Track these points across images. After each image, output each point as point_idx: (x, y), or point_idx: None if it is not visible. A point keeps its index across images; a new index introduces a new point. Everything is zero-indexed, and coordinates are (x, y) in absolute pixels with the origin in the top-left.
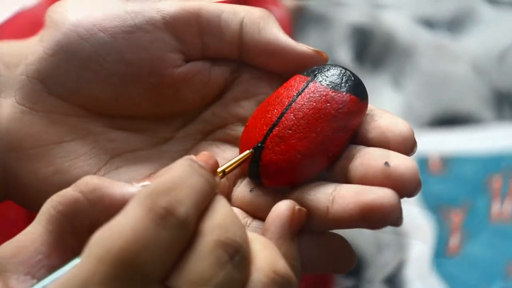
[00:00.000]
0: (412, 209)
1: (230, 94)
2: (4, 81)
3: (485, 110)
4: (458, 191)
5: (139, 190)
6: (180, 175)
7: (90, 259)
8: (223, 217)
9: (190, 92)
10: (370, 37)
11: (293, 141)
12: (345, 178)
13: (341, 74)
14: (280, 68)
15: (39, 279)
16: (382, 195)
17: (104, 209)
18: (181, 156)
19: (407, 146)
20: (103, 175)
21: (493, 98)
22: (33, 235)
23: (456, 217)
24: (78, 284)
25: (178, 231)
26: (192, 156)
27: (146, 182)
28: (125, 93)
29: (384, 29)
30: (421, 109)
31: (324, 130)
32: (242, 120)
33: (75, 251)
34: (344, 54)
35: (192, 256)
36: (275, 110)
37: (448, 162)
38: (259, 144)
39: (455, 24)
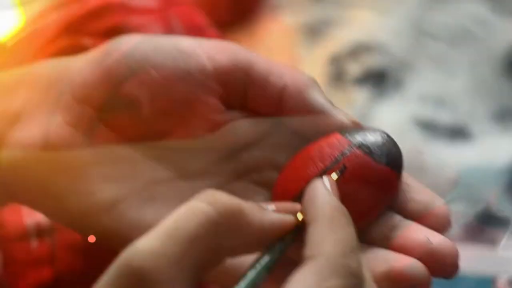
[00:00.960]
0: None
1: (270, 140)
2: (45, 97)
3: None
4: None
5: (327, 251)
6: (345, 225)
7: None
8: (369, 272)
9: (229, 138)
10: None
11: None
12: (382, 246)
13: (383, 144)
14: (315, 131)
15: None
16: (413, 265)
17: (240, 236)
18: None
19: (442, 226)
20: (136, 200)
21: None
22: (166, 257)
23: None
24: None
25: None
26: (326, 183)
27: (277, 206)
28: (165, 128)
29: (370, 126)
30: None
31: (364, 197)
32: (278, 167)
33: (203, 277)
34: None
35: None
36: (316, 166)
37: None
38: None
39: None
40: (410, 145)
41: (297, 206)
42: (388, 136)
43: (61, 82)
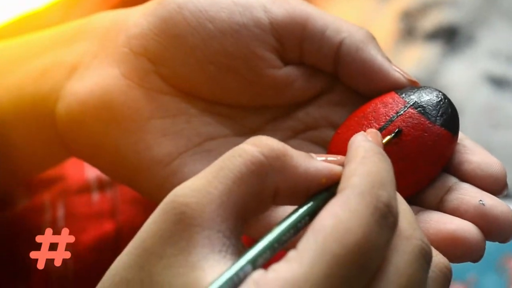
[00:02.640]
0: None
1: (326, 98)
2: (102, 48)
3: None
4: (470, 264)
5: (355, 182)
6: (378, 161)
7: (314, 255)
8: (412, 215)
9: (287, 94)
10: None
11: None
12: (436, 208)
13: (438, 104)
14: (371, 88)
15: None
16: (465, 228)
17: (284, 179)
18: None
19: (497, 188)
20: (192, 156)
21: None
22: (210, 194)
23: None
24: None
25: (393, 231)
26: (368, 135)
27: (326, 157)
28: (221, 83)
29: (439, 84)
30: None
31: (419, 159)
32: (334, 125)
33: (246, 222)
34: None
35: (395, 262)
36: (371, 126)
37: None
38: None
39: None
40: (482, 101)
41: (345, 159)
42: (445, 96)
43: (118, 34)
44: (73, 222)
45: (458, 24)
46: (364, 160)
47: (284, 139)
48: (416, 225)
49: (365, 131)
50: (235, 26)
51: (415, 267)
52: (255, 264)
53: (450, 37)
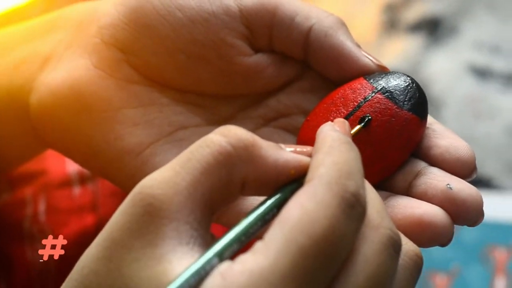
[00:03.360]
0: None
1: (297, 85)
2: (74, 39)
3: (508, 177)
4: (454, 255)
5: (322, 173)
6: (345, 151)
7: (280, 247)
8: (380, 203)
9: (258, 82)
10: None
11: None
12: (405, 193)
13: (406, 89)
14: (340, 74)
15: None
16: (432, 212)
17: (253, 170)
18: None
19: (465, 171)
20: (162, 145)
21: None
22: (177, 186)
23: (441, 283)
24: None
25: (360, 220)
26: (335, 125)
27: (295, 148)
28: (192, 72)
29: (422, 75)
30: None
31: (387, 144)
32: (306, 113)
33: (214, 213)
34: None
35: (364, 252)
36: (339, 112)
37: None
38: None
39: None
40: (465, 92)
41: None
42: (413, 80)
43: (90, 24)
44: (55, 216)
45: (441, 16)
46: (331, 150)
47: (256, 127)
48: (385, 214)
49: (333, 117)
50: (204, 14)
51: (384, 256)
52: (221, 256)
53: (433, 28)
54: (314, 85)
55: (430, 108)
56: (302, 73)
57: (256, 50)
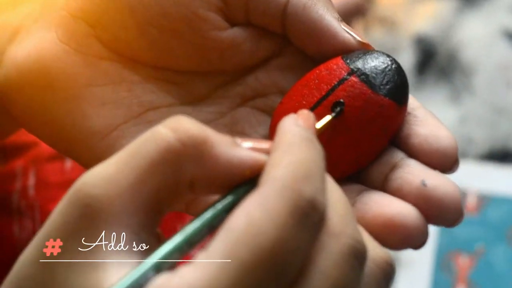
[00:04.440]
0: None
1: (276, 62)
2: (43, 11)
3: None
4: (478, 234)
5: (276, 176)
6: (305, 149)
7: (221, 261)
8: (345, 208)
9: (234, 58)
10: (434, 49)
11: (324, 137)
12: (382, 186)
13: (383, 71)
14: (319, 51)
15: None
16: (404, 212)
17: (202, 170)
18: (215, 118)
19: (445, 164)
20: (131, 127)
21: None
22: (119, 186)
23: (463, 265)
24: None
25: (317, 229)
26: (298, 118)
27: (253, 143)
28: (164, 47)
29: (453, 40)
30: (476, 138)
31: (360, 132)
32: (283, 92)
33: (162, 214)
34: (406, 61)
35: (321, 263)
36: (312, 96)
37: (485, 201)
38: None
39: None
40: (497, 59)
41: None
42: (392, 62)
43: None
44: (44, 190)
45: None
46: (289, 148)
47: (232, 106)
48: (349, 220)
49: (306, 101)
50: None
51: (343, 269)
52: (160, 267)
53: None
54: (293, 63)
55: (460, 75)
56: (282, 49)
57: (232, 23)
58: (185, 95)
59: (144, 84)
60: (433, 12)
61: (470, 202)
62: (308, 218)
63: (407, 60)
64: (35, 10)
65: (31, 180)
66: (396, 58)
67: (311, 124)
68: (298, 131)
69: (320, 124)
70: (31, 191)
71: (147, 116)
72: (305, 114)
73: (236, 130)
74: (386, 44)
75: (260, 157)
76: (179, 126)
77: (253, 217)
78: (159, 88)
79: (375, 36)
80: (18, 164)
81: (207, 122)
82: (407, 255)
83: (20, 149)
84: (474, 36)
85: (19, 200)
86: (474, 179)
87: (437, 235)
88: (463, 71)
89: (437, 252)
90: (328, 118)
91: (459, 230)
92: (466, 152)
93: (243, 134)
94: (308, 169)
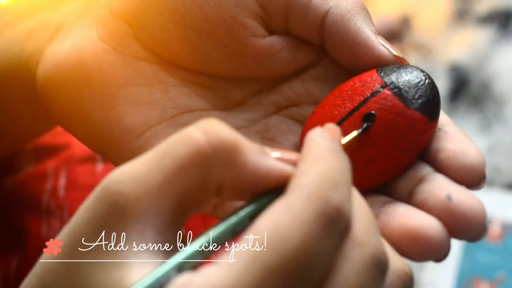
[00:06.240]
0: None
1: (312, 73)
2: (85, 9)
3: None
4: (500, 262)
5: (303, 183)
6: (332, 159)
7: (246, 263)
8: (369, 219)
9: (271, 66)
10: (468, 78)
11: (352, 149)
12: (407, 199)
13: (416, 86)
14: (355, 63)
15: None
16: (428, 224)
17: (230, 176)
18: (247, 125)
19: (472, 180)
20: (164, 129)
21: None
22: (147, 185)
23: None
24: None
25: (342, 237)
26: (324, 131)
27: (281, 153)
28: (202, 50)
29: (488, 69)
30: (503, 168)
31: (389, 145)
32: (317, 102)
33: (186, 216)
34: (439, 87)
35: (344, 271)
36: (344, 106)
37: (509, 230)
38: None
39: None
40: None
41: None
42: (426, 77)
43: None
44: (74, 192)
45: None
46: (317, 159)
47: (266, 115)
48: (372, 230)
49: (338, 112)
50: None
51: (366, 278)
52: (181, 268)
53: (504, 21)
54: (329, 74)
55: (491, 104)
56: (318, 60)
57: (271, 32)
58: (220, 100)
59: (180, 87)
60: (469, 41)
61: (494, 230)
62: (334, 225)
63: (440, 87)
64: (78, 8)
65: (62, 181)
66: None
67: (337, 137)
68: (323, 142)
69: (345, 140)
70: (61, 192)
71: (181, 119)
72: (331, 128)
73: (267, 137)
74: None
75: (287, 168)
76: (211, 130)
77: (279, 222)
78: (194, 91)
79: (410, 61)
80: (50, 165)
81: (239, 128)
82: (428, 276)
83: (52, 151)
84: (508, 67)
85: (49, 200)
86: (499, 207)
87: (460, 259)
88: (495, 101)
89: (458, 276)
90: (354, 134)
91: (482, 257)
92: (492, 181)
93: (274, 141)
94: (335, 178)
